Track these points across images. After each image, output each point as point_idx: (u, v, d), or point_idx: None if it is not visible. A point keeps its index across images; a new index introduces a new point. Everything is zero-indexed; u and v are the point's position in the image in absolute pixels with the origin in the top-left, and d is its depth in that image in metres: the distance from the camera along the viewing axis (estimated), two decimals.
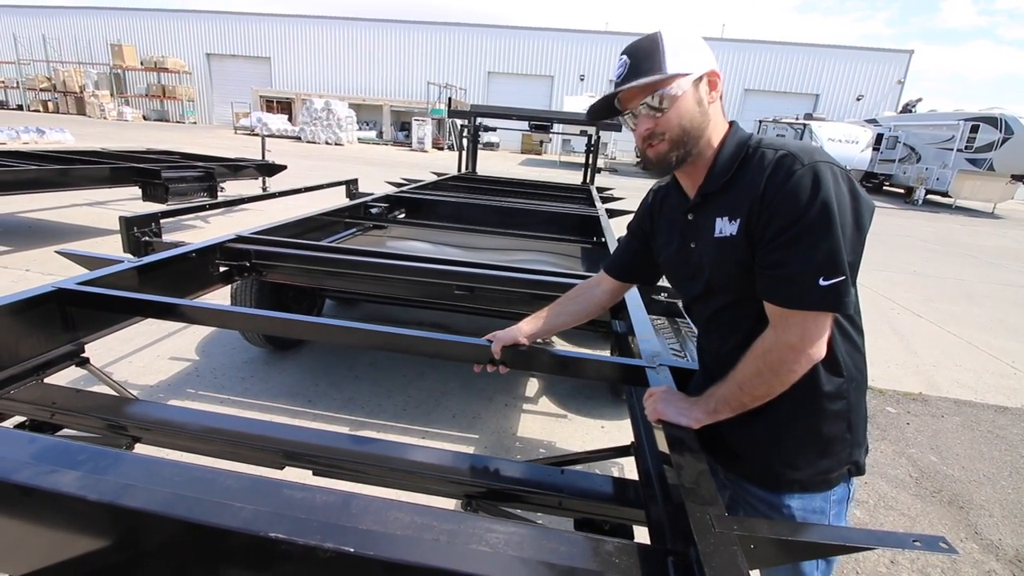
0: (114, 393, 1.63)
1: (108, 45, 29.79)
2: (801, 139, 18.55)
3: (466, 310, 2.84)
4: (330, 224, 3.35)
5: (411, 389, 3.01)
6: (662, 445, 1.19)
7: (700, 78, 0.96)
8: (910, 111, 22.39)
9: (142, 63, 29.33)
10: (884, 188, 20.90)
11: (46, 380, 1.54)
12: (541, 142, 25.45)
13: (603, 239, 3.25)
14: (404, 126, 26.75)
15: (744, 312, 1.00)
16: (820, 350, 0.91)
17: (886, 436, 2.92)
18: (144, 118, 29.12)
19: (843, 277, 0.85)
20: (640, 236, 1.25)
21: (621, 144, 25.40)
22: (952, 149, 16.50)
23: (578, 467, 1.41)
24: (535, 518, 1.40)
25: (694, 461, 0.95)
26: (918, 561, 2.09)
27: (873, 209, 0.92)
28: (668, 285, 2.13)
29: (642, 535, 1.13)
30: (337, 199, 4.16)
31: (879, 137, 19.30)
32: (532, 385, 3.20)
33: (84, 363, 1.69)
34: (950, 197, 17.06)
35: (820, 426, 1.00)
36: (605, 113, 1.06)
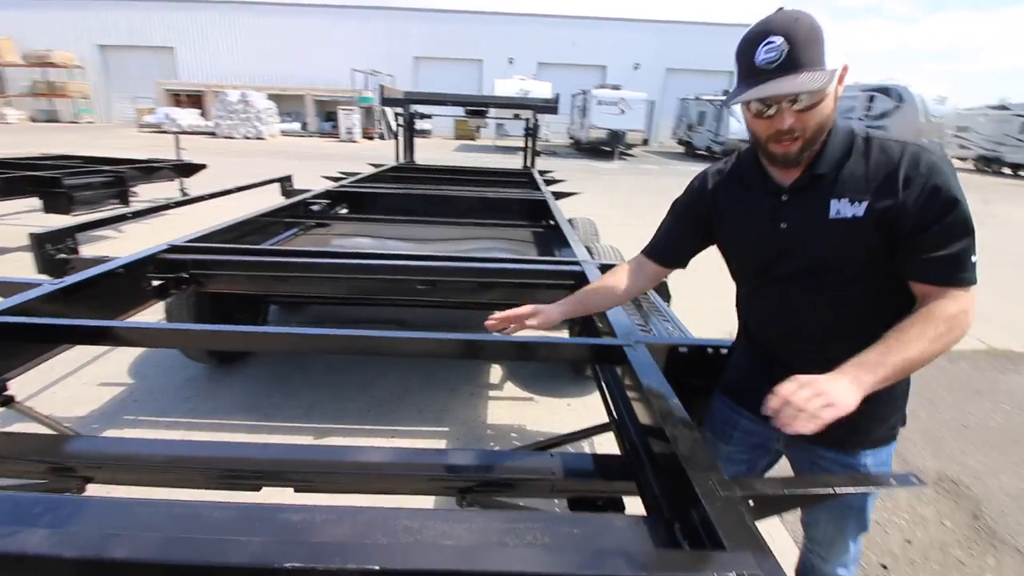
0: (50, 431, 1.47)
1: None
2: (720, 115, 19.50)
3: (426, 304, 2.79)
4: (268, 225, 3.16)
5: (372, 389, 2.92)
6: (644, 419, 1.23)
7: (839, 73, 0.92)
8: None
9: (24, 58, 26.11)
10: None
11: None
12: (478, 127, 25.18)
13: (552, 222, 3.27)
14: (330, 116, 25.56)
15: (850, 292, 1.01)
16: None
17: None
18: (32, 120, 26.09)
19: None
20: (692, 220, 1.22)
21: (554, 126, 25.61)
22: (853, 118, 17.96)
23: (566, 448, 1.43)
24: (530, 503, 1.41)
25: (687, 431, 0.99)
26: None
27: None
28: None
29: (632, 505, 1.18)
30: (270, 199, 3.92)
31: None
32: (495, 372, 3.20)
33: (9, 402, 1.51)
34: None
35: (899, 388, 1.08)
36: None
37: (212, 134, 21.57)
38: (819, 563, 1.35)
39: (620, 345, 1.36)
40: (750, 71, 0.91)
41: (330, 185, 4.08)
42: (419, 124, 6.10)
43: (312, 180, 4.84)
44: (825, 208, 0.99)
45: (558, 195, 4.36)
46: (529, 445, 1.49)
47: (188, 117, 22.85)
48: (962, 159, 24.50)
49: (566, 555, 0.72)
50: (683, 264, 1.30)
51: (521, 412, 2.80)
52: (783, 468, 1.30)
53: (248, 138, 21.11)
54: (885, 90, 16.96)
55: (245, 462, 1.27)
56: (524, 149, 6.77)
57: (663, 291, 2.12)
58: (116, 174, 5.56)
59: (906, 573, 1.96)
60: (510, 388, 3.04)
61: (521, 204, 4.00)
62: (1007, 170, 21.36)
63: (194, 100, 25.97)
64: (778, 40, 0.87)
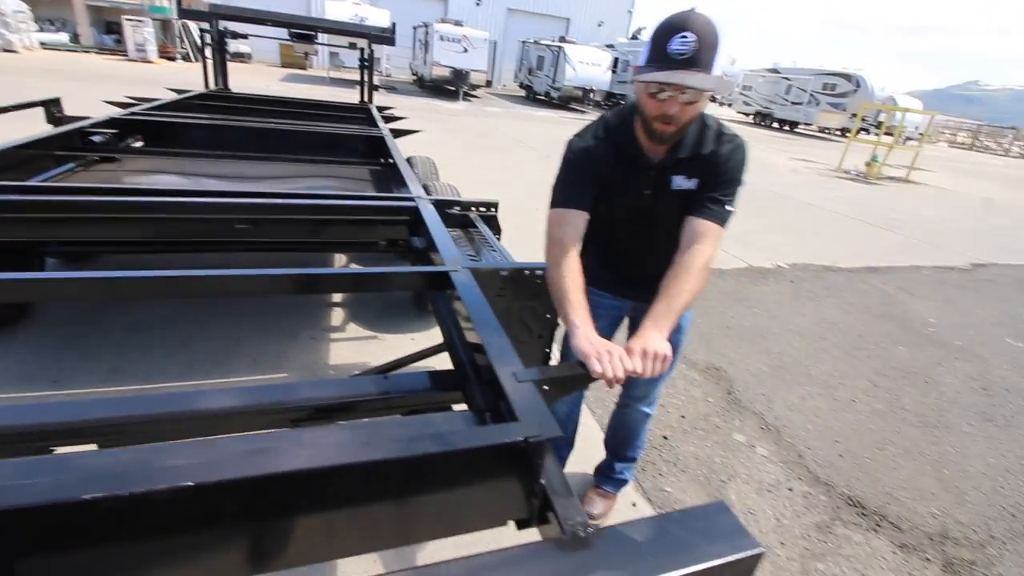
0: None
1: None
2: (557, 61, 20.24)
3: (248, 248, 2.58)
4: (32, 159, 2.57)
5: (195, 342, 2.68)
6: (468, 335, 1.37)
7: None
8: (636, 38, 26.08)
9: None
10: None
11: None
12: (306, 54, 22.45)
13: (391, 160, 3.21)
14: (111, 27, 20.58)
15: (673, 228, 1.33)
16: None
17: None
18: None
19: None
20: (592, 175, 1.36)
21: (395, 60, 24.04)
22: None
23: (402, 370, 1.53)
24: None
25: (500, 340, 1.15)
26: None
27: None
28: (460, 199, 2.29)
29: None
30: (35, 129, 3.13)
31: (616, 61, 22.17)
32: (337, 315, 3.15)
33: None
34: None
35: None
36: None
37: None
38: (633, 411, 1.76)
39: (447, 272, 1.47)
40: (662, 56, 1.08)
41: (116, 112, 3.40)
42: (235, 46, 5.28)
43: (95, 107, 3.97)
44: (669, 182, 1.34)
45: (397, 132, 4.24)
46: (367, 371, 1.55)
47: None
48: (746, 114, 29.14)
49: (390, 444, 0.82)
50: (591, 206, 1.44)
51: (365, 350, 2.83)
52: None
53: None
54: None
55: (21, 426, 1.11)
56: (360, 83, 6.33)
57: (493, 225, 2.27)
58: None
59: (680, 439, 2.53)
60: (353, 329, 3.03)
61: (356, 141, 3.81)
62: (776, 125, 26.05)
63: None
64: (692, 37, 1.05)
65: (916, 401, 3.14)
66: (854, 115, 16.85)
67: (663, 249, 1.37)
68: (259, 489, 0.71)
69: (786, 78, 24.28)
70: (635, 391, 1.78)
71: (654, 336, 1.12)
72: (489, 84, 23.16)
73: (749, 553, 0.79)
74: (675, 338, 1.69)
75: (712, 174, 1.30)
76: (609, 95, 23.22)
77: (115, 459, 0.81)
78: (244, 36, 5.48)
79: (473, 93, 21.26)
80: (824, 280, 5.11)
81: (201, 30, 4.95)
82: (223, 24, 5.25)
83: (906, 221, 8.35)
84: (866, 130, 19.44)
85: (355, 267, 1.65)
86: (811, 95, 23.01)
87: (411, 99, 16.96)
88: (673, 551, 0.78)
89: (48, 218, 1.87)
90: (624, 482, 2.01)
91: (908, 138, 19.34)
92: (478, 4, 27.72)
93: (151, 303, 2.95)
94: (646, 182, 1.37)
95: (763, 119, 26.62)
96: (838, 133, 24.11)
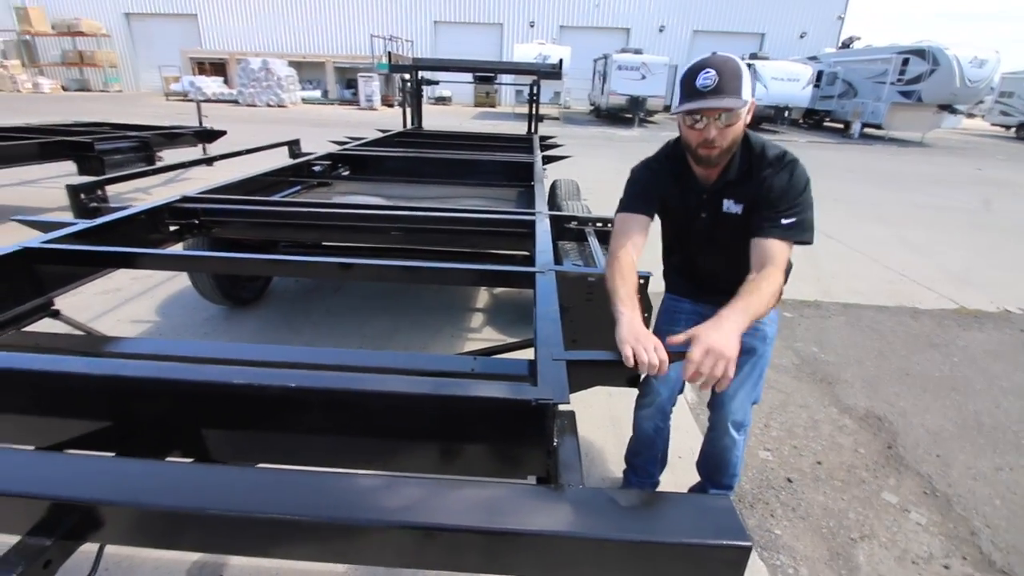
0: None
1: (11, 8, 26.99)
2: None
3: (406, 255, 3.11)
4: (273, 184, 3.50)
5: (365, 329, 3.30)
6: (540, 330, 1.53)
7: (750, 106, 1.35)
8: (849, 46, 22.94)
9: (53, 27, 26.82)
10: (824, 124, 21.63)
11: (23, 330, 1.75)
12: (488, 93, 25.05)
13: (532, 183, 3.53)
14: (350, 84, 25.70)
15: (734, 248, 1.43)
16: None
17: (778, 335, 3.41)
18: (63, 89, 26.95)
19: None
20: (651, 192, 1.55)
21: (575, 93, 25.20)
22: (885, 82, 17.17)
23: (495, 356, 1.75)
24: None
25: (553, 330, 1.29)
26: (786, 422, 2.59)
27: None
28: (576, 214, 2.46)
29: None
30: (280, 161, 4.25)
31: (820, 74, 19.82)
32: (477, 318, 3.54)
33: (56, 315, 1.90)
34: (883, 129, 17.91)
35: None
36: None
37: (235, 102, 22.01)
38: (718, 434, 1.72)
39: (533, 272, 1.65)
40: (692, 91, 1.30)
41: (333, 148, 4.39)
42: (439, 91, 6.31)
43: (322, 146, 5.16)
44: (720, 205, 1.47)
45: (548, 159, 4.58)
46: (463, 352, 1.81)
47: (212, 85, 23.30)
48: (1004, 127, 23.30)
49: (427, 384, 1.04)
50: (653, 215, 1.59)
51: None
52: None
53: (270, 106, 21.50)
54: (920, 52, 16.12)
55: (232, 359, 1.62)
56: (528, 115, 6.92)
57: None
58: (143, 139, 5.99)
59: (808, 486, 2.25)
60: (487, 332, 3.37)
61: (510, 167, 4.24)
62: None
63: (218, 68, 26.38)
64: (712, 72, 1.27)
65: None
66: None
67: (733, 267, 1.42)
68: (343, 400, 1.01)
69: None
70: (719, 411, 1.70)
71: (724, 326, 1.09)
72: (667, 109, 22.67)
73: (731, 543, 0.81)
74: (759, 347, 1.66)
75: (761, 196, 1.39)
76: (810, 112, 20.85)
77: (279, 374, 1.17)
78: (436, 83, 6.47)
79: (650, 119, 21.10)
80: None
81: (401, 80, 6.02)
82: (422, 73, 6.30)
83: None
84: None
85: (455, 263, 1.95)
86: None
87: (586, 128, 17.60)
88: (649, 520, 0.84)
89: (279, 223, 2.60)
90: None
91: None
92: (661, 30, 27.54)
93: (340, 297, 3.72)
94: (700, 205, 1.51)
95: None
96: None
